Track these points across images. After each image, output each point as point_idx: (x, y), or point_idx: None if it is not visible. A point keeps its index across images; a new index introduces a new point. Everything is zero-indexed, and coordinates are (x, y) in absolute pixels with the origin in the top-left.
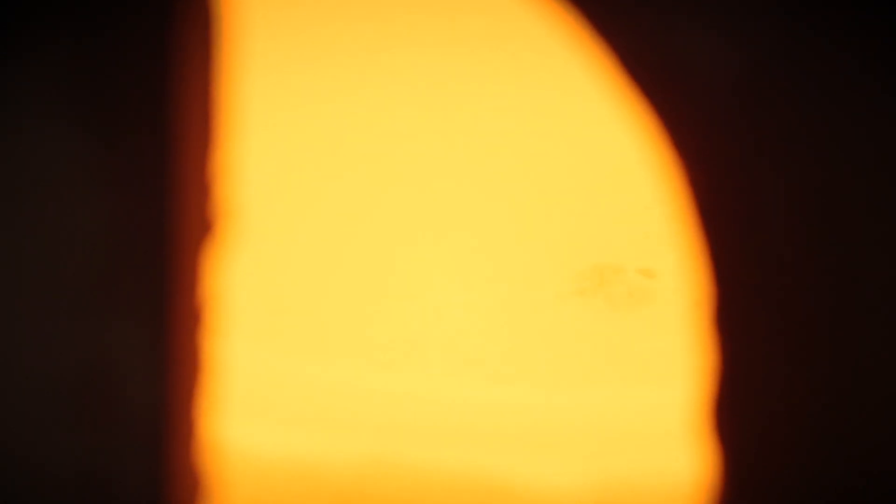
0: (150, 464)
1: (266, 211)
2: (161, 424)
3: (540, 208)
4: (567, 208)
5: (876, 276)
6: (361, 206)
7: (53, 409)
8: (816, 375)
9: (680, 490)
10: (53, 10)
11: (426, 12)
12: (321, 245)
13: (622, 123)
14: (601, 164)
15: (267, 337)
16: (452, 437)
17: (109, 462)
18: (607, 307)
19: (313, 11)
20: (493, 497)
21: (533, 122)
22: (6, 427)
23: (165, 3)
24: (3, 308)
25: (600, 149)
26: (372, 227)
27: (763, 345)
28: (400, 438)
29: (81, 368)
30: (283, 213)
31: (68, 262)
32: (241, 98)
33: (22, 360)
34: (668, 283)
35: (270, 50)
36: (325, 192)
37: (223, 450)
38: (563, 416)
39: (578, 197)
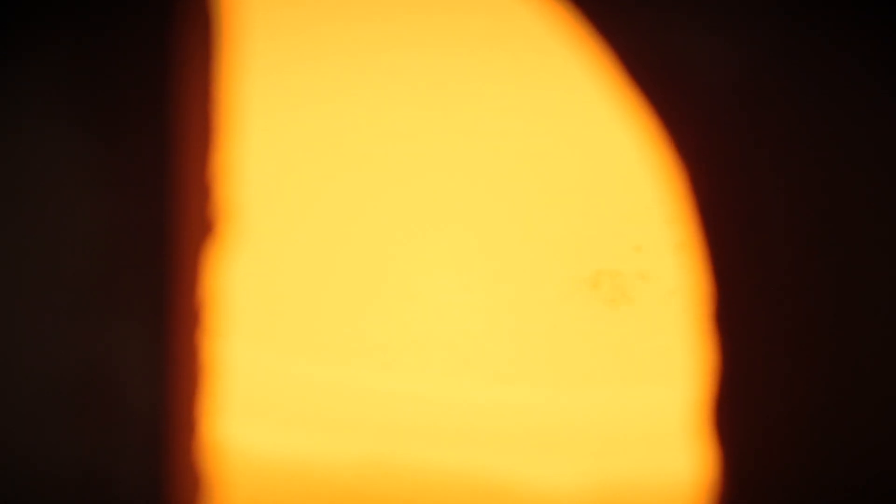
0: (150, 464)
1: (266, 211)
2: (161, 424)
3: (539, 208)
4: (566, 208)
5: (876, 275)
6: (361, 206)
7: (53, 409)
8: (817, 375)
9: (680, 490)
10: (53, 10)
11: (426, 12)
12: (321, 245)
13: (622, 123)
14: (600, 164)
15: (267, 337)
16: (452, 437)
17: (109, 462)
18: (607, 306)
19: (313, 11)
20: (494, 497)
21: (533, 122)
22: (6, 427)
23: (165, 3)
24: (3, 308)
25: (600, 149)
26: (372, 227)
27: (763, 344)
28: (400, 438)
29: (81, 368)
30: (284, 213)
31: (68, 262)
32: (241, 98)
33: (22, 360)
34: (668, 282)
35: (270, 50)
36: (325, 192)
37: (223, 450)
38: (564, 416)
39: (578, 197)
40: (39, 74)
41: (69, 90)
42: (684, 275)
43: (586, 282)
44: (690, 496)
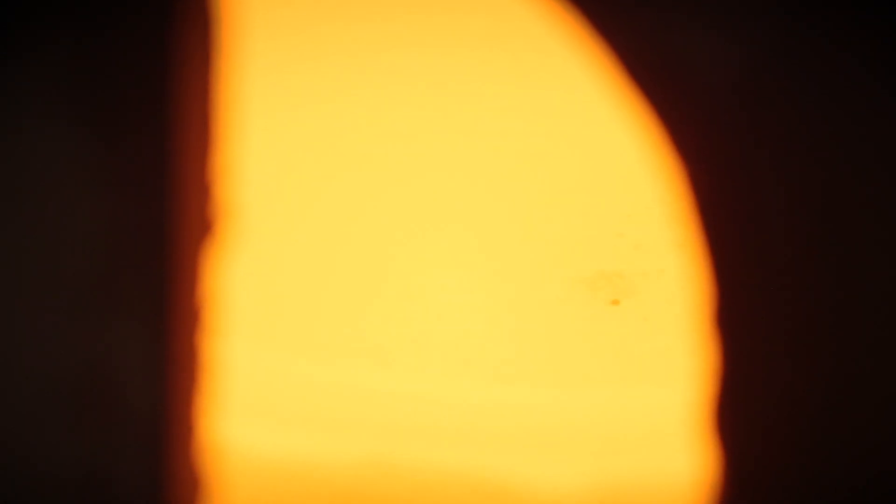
0: (150, 464)
1: (266, 211)
2: (161, 424)
3: (539, 208)
4: (567, 208)
5: (876, 275)
6: (361, 206)
7: (53, 409)
8: (817, 375)
9: (680, 490)
10: (53, 10)
11: (426, 12)
12: (322, 245)
13: (622, 123)
14: (600, 164)
15: (267, 337)
16: (452, 437)
17: (109, 462)
18: (607, 306)
19: (313, 11)
20: (494, 497)
21: (533, 122)
22: (6, 427)
23: (165, 3)
24: (3, 308)
25: (600, 149)
26: (372, 227)
27: (764, 345)
28: (400, 438)
29: (81, 368)
30: (284, 213)
31: (68, 262)
32: (241, 98)
33: (22, 360)
34: (669, 283)
35: (270, 50)
36: (325, 192)
37: (223, 450)
38: (564, 416)
39: (578, 197)
40: (39, 74)
41: (69, 90)
42: (684, 275)
43: (586, 282)
44: (691, 496)
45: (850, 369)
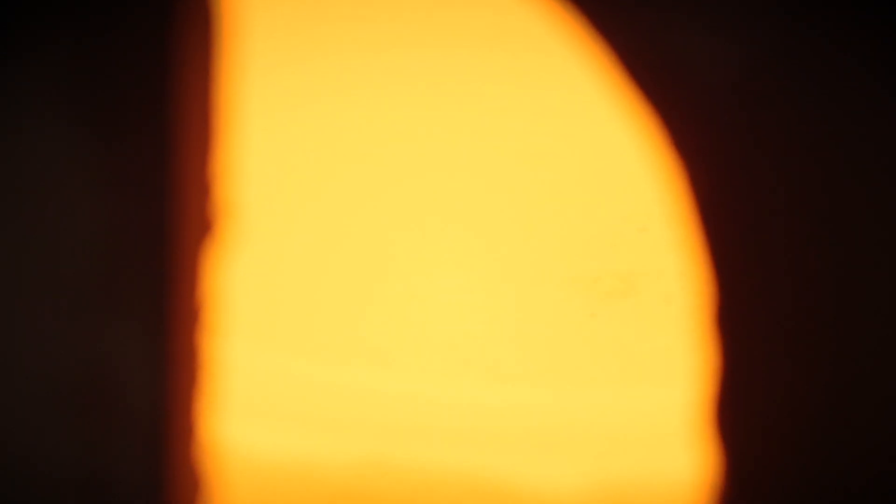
0: (150, 464)
1: (266, 211)
2: (161, 425)
3: (540, 208)
4: (567, 208)
5: (877, 275)
6: (361, 206)
7: (53, 409)
8: (817, 375)
9: (681, 490)
10: (53, 10)
11: (426, 12)
12: (322, 245)
13: (622, 123)
14: (601, 164)
15: (267, 337)
16: (452, 437)
17: (109, 462)
18: (607, 306)
19: (313, 11)
20: (494, 497)
21: (533, 122)
22: (6, 427)
23: (165, 3)
24: (3, 308)
25: (600, 148)
26: (372, 227)
27: (764, 345)
28: (400, 439)
29: (81, 368)
30: (283, 213)
31: (68, 262)
32: (241, 98)
33: (22, 360)
34: (669, 283)
35: (270, 50)
36: (325, 192)
37: (223, 450)
38: (565, 417)
39: (579, 197)
40: (39, 74)
41: (69, 90)
42: (685, 275)
43: (587, 282)
44: (691, 496)
45: (850, 369)
